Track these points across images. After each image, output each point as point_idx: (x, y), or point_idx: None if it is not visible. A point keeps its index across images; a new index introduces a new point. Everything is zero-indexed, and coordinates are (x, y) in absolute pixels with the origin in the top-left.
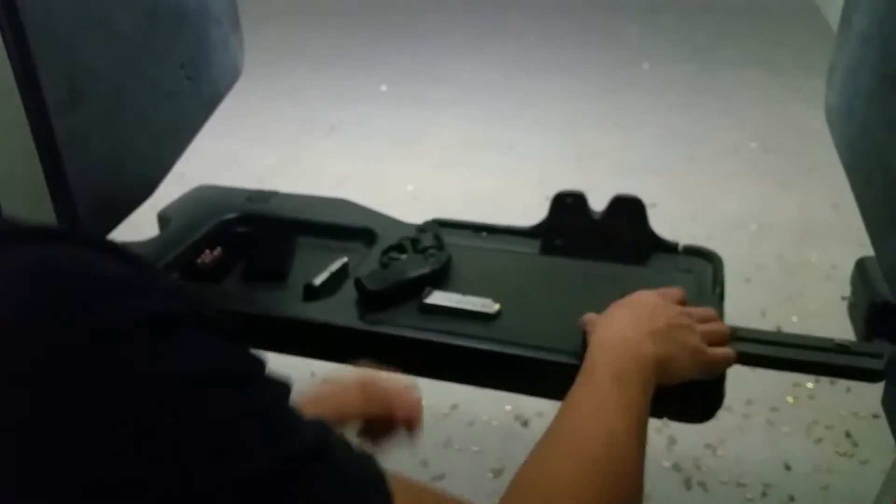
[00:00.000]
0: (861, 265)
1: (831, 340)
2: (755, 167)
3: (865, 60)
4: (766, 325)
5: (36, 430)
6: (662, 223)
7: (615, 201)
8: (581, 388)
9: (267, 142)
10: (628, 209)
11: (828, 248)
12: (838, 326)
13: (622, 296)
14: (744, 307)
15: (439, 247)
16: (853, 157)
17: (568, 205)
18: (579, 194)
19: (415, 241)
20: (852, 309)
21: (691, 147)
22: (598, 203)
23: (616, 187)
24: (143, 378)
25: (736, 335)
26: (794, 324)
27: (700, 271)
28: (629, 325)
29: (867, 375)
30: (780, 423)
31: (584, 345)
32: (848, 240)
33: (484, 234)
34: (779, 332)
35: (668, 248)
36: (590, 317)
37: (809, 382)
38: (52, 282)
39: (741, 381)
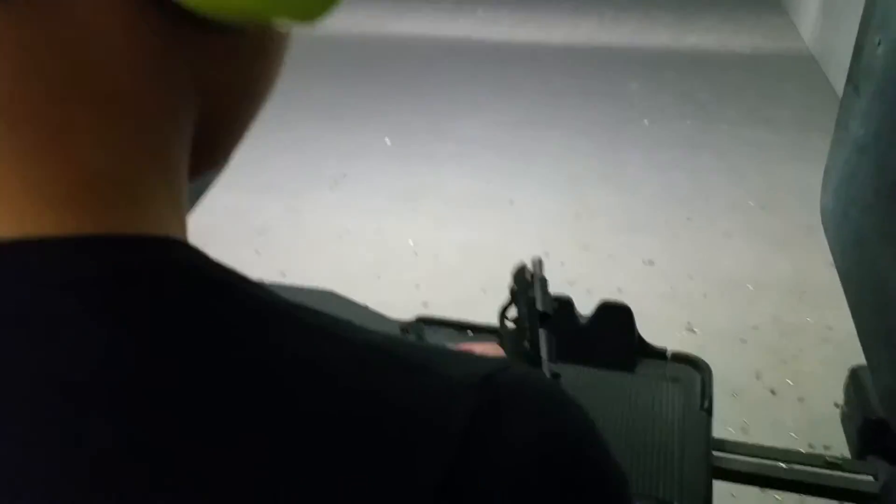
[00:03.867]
0: (855, 376)
1: (822, 457)
2: (753, 226)
3: (861, 169)
4: (760, 387)
5: None
6: (660, 282)
7: (602, 307)
8: None
9: (271, 194)
10: (615, 315)
11: (824, 309)
12: (834, 392)
13: (610, 402)
14: (738, 369)
15: None
16: (846, 265)
17: (554, 309)
18: (566, 299)
19: None
20: (845, 420)
21: (689, 205)
22: (593, 264)
23: (614, 244)
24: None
25: (721, 447)
26: (790, 387)
27: (688, 380)
28: None
29: (860, 498)
30: None
31: None
32: (844, 302)
33: (469, 332)
34: (766, 447)
35: (656, 354)
36: None
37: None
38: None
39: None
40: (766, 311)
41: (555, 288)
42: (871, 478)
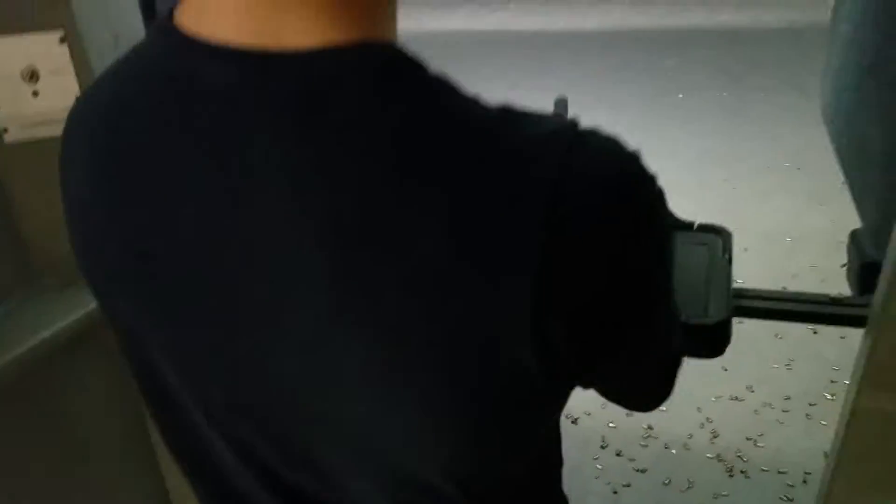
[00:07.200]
0: (854, 235)
1: (826, 295)
2: (789, 185)
3: (849, 59)
4: (802, 327)
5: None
6: None
7: None
8: None
9: None
10: None
11: None
12: None
13: None
14: None
15: None
16: (841, 141)
17: None
18: None
19: None
20: (848, 272)
21: (727, 168)
22: None
23: None
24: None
25: (742, 294)
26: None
27: (712, 244)
28: None
29: (855, 322)
30: (819, 416)
31: None
32: None
33: None
34: (780, 291)
35: (685, 226)
36: None
37: (846, 380)
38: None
39: (779, 380)
40: (805, 262)
41: None
42: (865, 308)
